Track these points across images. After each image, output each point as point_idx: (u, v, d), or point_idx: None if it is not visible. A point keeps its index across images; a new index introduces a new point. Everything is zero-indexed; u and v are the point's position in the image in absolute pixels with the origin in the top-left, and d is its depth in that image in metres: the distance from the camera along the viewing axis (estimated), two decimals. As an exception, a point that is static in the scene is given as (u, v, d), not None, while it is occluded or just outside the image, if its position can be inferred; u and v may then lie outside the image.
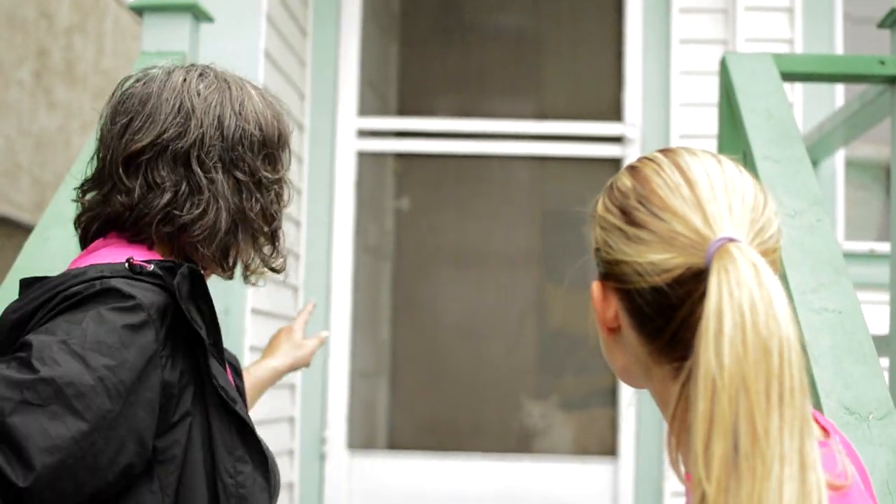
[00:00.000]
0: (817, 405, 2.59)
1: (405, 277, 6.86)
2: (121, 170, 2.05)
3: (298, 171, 6.35)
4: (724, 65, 3.93)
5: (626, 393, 6.32)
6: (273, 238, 2.18)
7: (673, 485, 6.13)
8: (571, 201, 6.95)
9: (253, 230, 2.10)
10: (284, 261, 2.26)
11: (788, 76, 4.07)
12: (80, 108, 7.73)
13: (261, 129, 2.13)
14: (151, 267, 1.94)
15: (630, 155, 6.45)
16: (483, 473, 6.39)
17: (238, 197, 2.07)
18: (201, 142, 2.05)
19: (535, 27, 7.11)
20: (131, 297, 1.86)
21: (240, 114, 2.11)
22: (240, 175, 2.08)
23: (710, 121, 5.45)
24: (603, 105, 6.72)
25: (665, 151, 1.55)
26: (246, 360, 5.06)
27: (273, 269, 2.24)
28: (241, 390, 2.43)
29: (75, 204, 2.18)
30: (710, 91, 5.72)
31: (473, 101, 6.98)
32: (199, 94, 2.09)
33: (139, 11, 4.16)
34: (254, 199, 2.10)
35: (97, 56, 8.16)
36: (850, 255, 4.42)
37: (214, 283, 2.22)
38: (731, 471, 1.27)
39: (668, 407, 1.46)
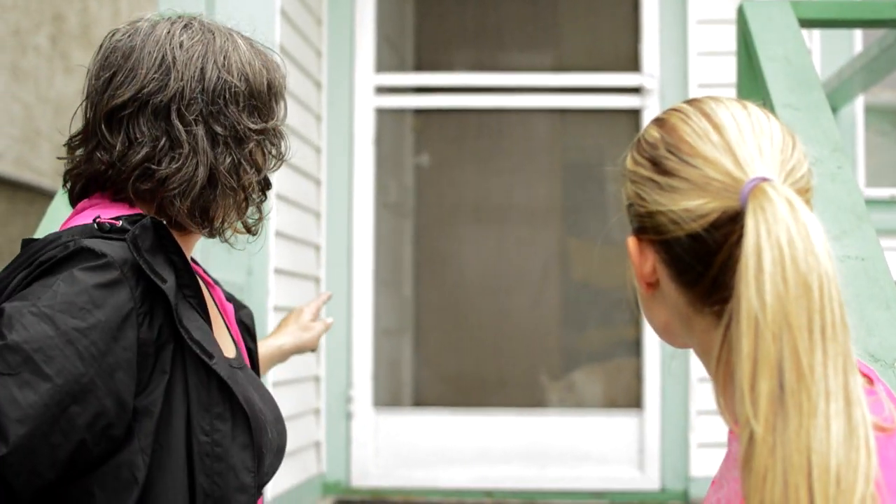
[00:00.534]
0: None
1: (427, 234, 6.86)
2: (103, 125, 2.02)
3: (317, 130, 6.35)
4: (741, 12, 3.90)
5: (653, 345, 6.32)
6: (246, 193, 2.10)
7: (699, 436, 6.14)
8: (591, 154, 6.95)
9: (223, 185, 2.03)
10: (259, 219, 2.19)
11: (806, 22, 4.04)
12: (98, 73, 7.70)
13: (246, 80, 2.07)
14: (120, 223, 1.91)
15: (649, 105, 6.43)
16: (508, 428, 6.40)
17: (214, 151, 2.02)
18: (181, 94, 2.00)
19: (551, -21, 7.08)
20: (103, 255, 1.82)
21: (223, 65, 2.05)
22: (218, 129, 2.02)
23: (728, 69, 5.43)
24: (621, 56, 6.69)
25: (690, 101, 1.55)
26: (270, 321, 5.08)
27: (246, 228, 2.17)
28: (252, 351, 2.40)
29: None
30: (728, 39, 5.69)
31: (491, 54, 6.96)
32: (181, 46, 2.04)
33: (154, -27, 4.15)
34: (226, 154, 2.03)
35: (113, 19, 8.15)
36: (871, 202, 4.40)
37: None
38: (777, 408, 1.27)
39: (711, 355, 1.46)
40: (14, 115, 6.77)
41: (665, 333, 1.61)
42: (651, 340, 6.31)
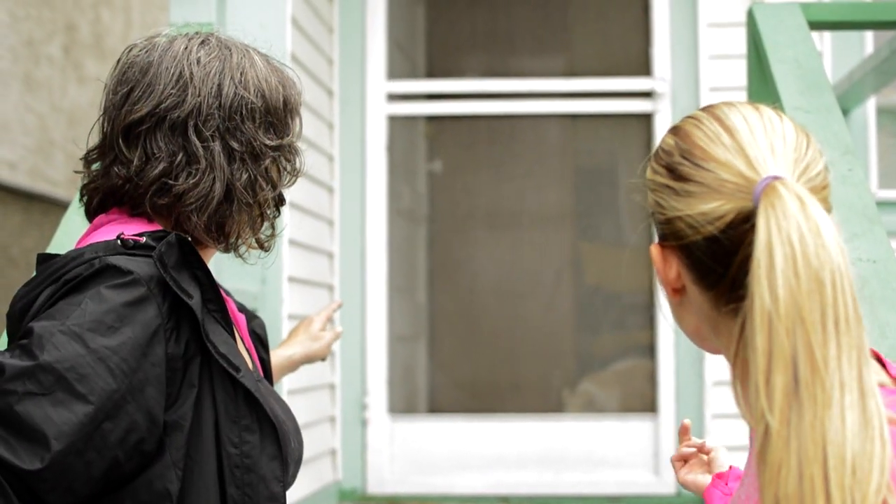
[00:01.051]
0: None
1: (440, 240, 6.87)
2: (121, 140, 2.03)
3: (329, 138, 6.36)
4: (751, 15, 3.91)
5: (667, 349, 6.31)
6: (262, 209, 2.11)
7: (714, 440, 6.13)
8: (603, 158, 6.95)
9: (239, 200, 2.04)
10: (272, 235, 2.20)
11: (816, 25, 4.05)
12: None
13: (262, 97, 2.08)
14: (144, 239, 1.92)
15: (660, 110, 6.43)
16: (523, 434, 6.40)
17: (231, 167, 2.03)
18: (198, 110, 2.01)
19: (561, -16, 7.09)
20: (129, 272, 1.84)
21: (240, 81, 2.06)
22: (235, 144, 2.03)
23: (739, 73, 5.42)
24: (632, 60, 6.70)
25: (704, 108, 1.58)
26: (284, 328, 5.09)
27: (259, 244, 2.19)
28: (265, 362, 2.41)
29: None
30: (739, 42, 5.69)
31: (502, 60, 6.97)
32: (198, 62, 2.05)
33: (166, -18, 4.16)
34: (243, 170, 2.04)
35: (125, 29, 8.18)
36: (883, 204, 4.41)
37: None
38: (792, 401, 1.28)
39: (730, 353, 1.48)
40: (28, 126, 6.80)
41: (697, 338, 1.64)
42: (665, 344, 6.31)
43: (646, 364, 6.48)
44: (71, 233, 3.23)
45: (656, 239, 1.61)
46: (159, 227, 2.02)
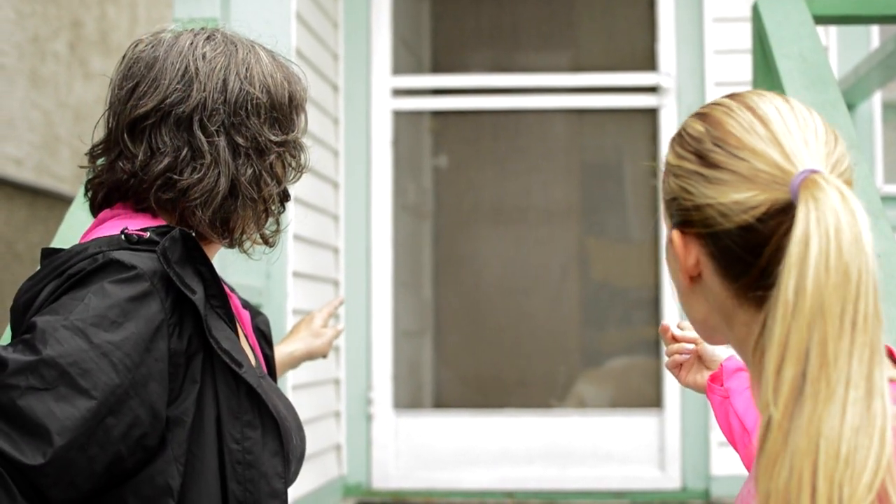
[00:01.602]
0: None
1: (445, 235, 6.87)
2: (126, 135, 2.03)
3: (335, 133, 6.36)
4: (756, 10, 3.90)
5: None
6: (266, 205, 2.12)
7: (719, 435, 6.13)
8: (609, 153, 6.95)
9: (243, 196, 2.04)
10: (277, 230, 2.21)
11: (821, 19, 4.04)
12: (116, 78, 7.71)
13: (267, 93, 2.08)
14: (147, 234, 1.92)
15: (666, 104, 6.43)
16: (528, 429, 6.40)
17: (236, 162, 2.03)
18: (203, 105, 2.01)
19: (566, -21, 7.08)
20: (133, 267, 1.84)
21: (245, 77, 2.06)
22: (240, 140, 2.03)
23: (744, 67, 5.41)
24: (637, 55, 6.69)
25: (731, 96, 1.57)
26: (289, 324, 5.09)
27: (264, 240, 2.19)
28: (268, 358, 2.41)
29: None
30: (745, 37, 5.68)
31: (508, 55, 6.97)
32: (204, 58, 2.05)
33: (170, -22, 4.16)
34: (248, 165, 2.04)
35: (131, 25, 8.18)
36: (888, 198, 4.40)
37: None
38: (797, 395, 1.28)
39: (748, 344, 1.48)
40: (34, 122, 6.80)
41: (703, 327, 1.63)
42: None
43: (651, 359, 6.48)
44: (75, 228, 3.23)
45: (664, 227, 1.61)
46: (164, 223, 2.02)
